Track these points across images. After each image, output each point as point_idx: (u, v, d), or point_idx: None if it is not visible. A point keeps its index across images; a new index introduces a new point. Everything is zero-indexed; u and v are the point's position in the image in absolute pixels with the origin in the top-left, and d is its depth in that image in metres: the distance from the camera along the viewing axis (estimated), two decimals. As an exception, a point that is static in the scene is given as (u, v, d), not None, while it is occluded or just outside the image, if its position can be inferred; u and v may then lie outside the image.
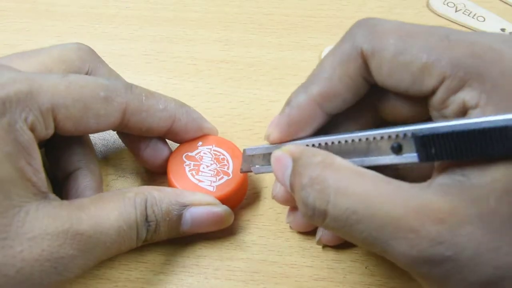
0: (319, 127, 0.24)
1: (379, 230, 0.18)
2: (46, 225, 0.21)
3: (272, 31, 0.38)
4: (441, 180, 0.19)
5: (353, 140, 0.21)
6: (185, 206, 0.24)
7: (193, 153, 0.27)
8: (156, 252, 0.27)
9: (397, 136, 0.20)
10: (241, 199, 0.29)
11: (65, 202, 0.22)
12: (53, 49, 0.26)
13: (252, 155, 0.26)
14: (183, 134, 0.27)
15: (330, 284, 0.26)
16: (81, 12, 0.39)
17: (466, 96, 0.19)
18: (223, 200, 0.26)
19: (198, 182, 0.26)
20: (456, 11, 0.39)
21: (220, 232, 0.27)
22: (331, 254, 0.27)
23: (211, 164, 0.27)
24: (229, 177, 0.27)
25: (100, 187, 0.26)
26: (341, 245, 0.27)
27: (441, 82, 0.19)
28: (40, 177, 0.22)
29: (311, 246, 0.27)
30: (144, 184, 0.30)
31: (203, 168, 0.27)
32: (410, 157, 0.20)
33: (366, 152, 0.21)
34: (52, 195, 0.22)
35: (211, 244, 0.27)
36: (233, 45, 0.37)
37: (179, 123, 0.26)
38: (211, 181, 0.26)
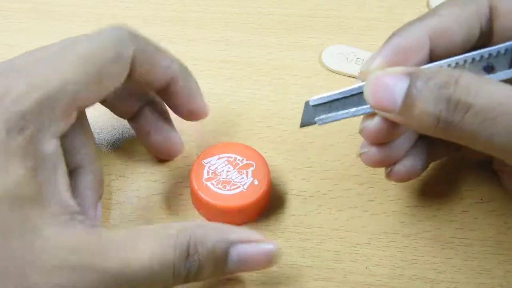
0: (421, 65, 0.23)
1: None
2: (65, 256, 0.19)
3: (272, 31, 0.38)
4: None
5: (448, 65, 0.22)
6: (231, 243, 0.22)
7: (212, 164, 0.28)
8: (156, 252, 0.27)
9: (490, 55, 0.21)
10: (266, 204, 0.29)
11: (92, 231, 0.20)
12: (83, 44, 0.23)
13: (317, 105, 0.25)
14: (176, 98, 0.27)
15: (330, 284, 0.26)
16: (81, 12, 0.39)
17: None
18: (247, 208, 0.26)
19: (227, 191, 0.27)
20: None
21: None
22: (331, 254, 0.27)
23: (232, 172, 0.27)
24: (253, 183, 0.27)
25: (100, 188, 0.26)
26: (341, 245, 0.27)
27: None
28: (65, 194, 0.21)
29: (311, 246, 0.27)
30: (144, 184, 0.30)
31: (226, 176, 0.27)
32: (505, 73, 0.21)
33: None
34: (80, 217, 0.21)
35: (211, 244, 0.27)
36: (233, 45, 0.37)
37: (176, 86, 0.26)
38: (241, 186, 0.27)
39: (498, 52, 0.21)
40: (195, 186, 0.27)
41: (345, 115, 0.24)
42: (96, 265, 0.19)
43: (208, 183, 0.27)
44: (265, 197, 0.27)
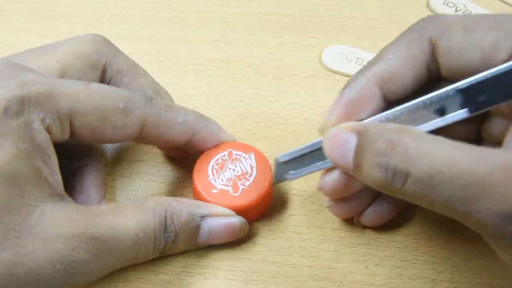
0: (375, 113, 0.23)
1: (465, 189, 0.18)
2: (60, 226, 0.20)
3: (272, 31, 0.38)
4: None
5: (397, 114, 0.22)
6: (203, 216, 0.24)
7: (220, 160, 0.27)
8: (156, 252, 0.27)
9: (440, 98, 0.21)
10: (266, 207, 0.28)
11: (82, 206, 0.22)
12: (68, 43, 0.26)
13: (286, 162, 0.26)
14: (201, 146, 0.27)
15: (330, 284, 0.26)
16: (81, 12, 0.39)
17: None
18: (250, 208, 0.26)
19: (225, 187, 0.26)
20: (456, 11, 0.39)
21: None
22: (331, 254, 0.27)
23: (234, 170, 0.27)
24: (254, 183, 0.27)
25: (104, 186, 0.26)
26: (341, 245, 0.27)
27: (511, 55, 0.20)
28: (57, 178, 0.21)
29: (311, 246, 0.27)
30: (144, 184, 0.30)
31: (227, 173, 0.27)
32: (457, 114, 0.20)
33: (411, 123, 0.22)
34: (69, 198, 0.22)
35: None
36: (233, 45, 0.37)
37: (198, 137, 0.26)
38: (239, 188, 0.26)
39: (447, 94, 0.21)
40: (198, 187, 0.26)
41: (313, 169, 0.25)
42: (88, 233, 0.21)
43: (211, 183, 0.26)
44: (269, 195, 0.27)
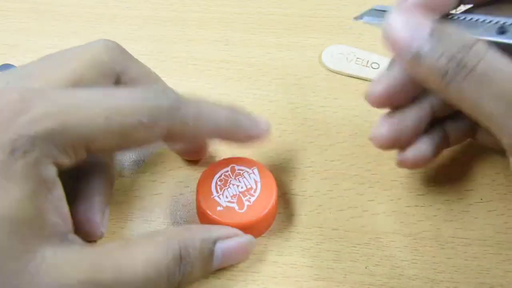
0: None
1: None
2: (63, 273, 0.19)
3: (272, 31, 0.38)
4: None
5: (469, 18, 0.24)
6: (215, 241, 0.24)
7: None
8: (156, 252, 0.27)
9: (504, 22, 0.23)
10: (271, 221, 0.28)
11: (86, 246, 0.21)
12: (81, 51, 0.24)
13: (378, 10, 0.27)
14: (229, 142, 0.26)
15: (330, 284, 0.26)
16: (81, 12, 0.39)
17: None
18: (257, 224, 0.26)
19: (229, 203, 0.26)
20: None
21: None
22: (331, 254, 0.27)
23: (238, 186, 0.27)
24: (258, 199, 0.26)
25: (109, 194, 0.26)
26: (341, 245, 0.27)
27: None
28: (62, 212, 0.21)
29: (311, 246, 0.27)
30: (144, 184, 0.30)
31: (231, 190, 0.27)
32: None
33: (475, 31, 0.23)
34: (71, 236, 0.21)
35: (211, 244, 0.27)
36: (233, 45, 0.37)
37: (226, 135, 0.25)
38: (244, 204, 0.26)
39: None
40: (203, 206, 0.26)
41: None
42: (91, 278, 0.19)
43: (216, 201, 0.26)
44: (275, 210, 0.27)
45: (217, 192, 0.26)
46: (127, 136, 0.21)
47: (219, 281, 0.26)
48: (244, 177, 0.27)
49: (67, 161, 0.21)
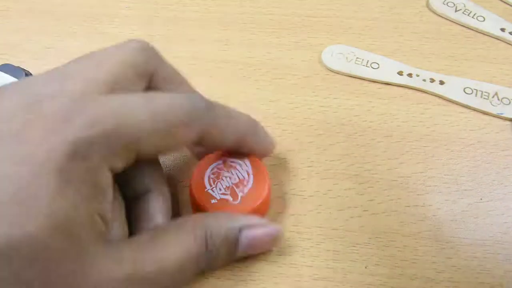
0: None
1: None
2: (111, 269, 0.20)
3: (272, 31, 0.38)
4: None
5: None
6: (240, 229, 0.24)
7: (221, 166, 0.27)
8: (156, 252, 0.27)
9: None
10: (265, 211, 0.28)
11: (125, 242, 0.22)
12: (116, 52, 0.24)
13: None
14: (247, 149, 0.27)
15: (330, 284, 0.26)
16: (81, 12, 0.39)
17: None
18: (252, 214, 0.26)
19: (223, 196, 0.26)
20: (456, 11, 0.39)
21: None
22: (331, 254, 0.27)
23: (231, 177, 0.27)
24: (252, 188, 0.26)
25: (169, 211, 0.26)
26: (341, 244, 0.27)
27: None
28: (107, 216, 0.21)
29: (311, 246, 0.27)
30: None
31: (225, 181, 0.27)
32: None
33: None
34: (114, 234, 0.22)
35: (211, 244, 0.27)
36: (233, 45, 0.37)
37: (244, 144, 0.26)
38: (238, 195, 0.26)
39: None
40: (197, 200, 0.26)
41: None
42: (138, 274, 0.21)
43: (209, 194, 0.26)
44: (268, 200, 0.27)
45: (210, 185, 0.26)
46: (170, 136, 0.22)
47: (219, 281, 0.26)
48: (237, 169, 0.27)
49: (120, 165, 0.21)
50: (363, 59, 0.36)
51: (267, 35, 0.38)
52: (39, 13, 0.39)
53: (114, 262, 0.20)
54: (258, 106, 0.33)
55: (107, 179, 0.21)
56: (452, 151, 0.31)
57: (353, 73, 0.35)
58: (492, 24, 0.38)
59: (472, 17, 0.38)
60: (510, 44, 0.37)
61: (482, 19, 0.38)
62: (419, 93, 0.34)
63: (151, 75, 0.25)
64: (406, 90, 0.34)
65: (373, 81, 0.35)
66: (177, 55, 0.36)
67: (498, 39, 0.37)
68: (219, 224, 0.24)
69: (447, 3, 0.39)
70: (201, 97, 0.24)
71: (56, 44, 0.37)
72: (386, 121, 0.32)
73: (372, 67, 0.35)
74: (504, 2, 0.40)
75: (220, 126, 0.24)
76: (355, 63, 0.36)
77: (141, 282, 0.21)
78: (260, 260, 0.27)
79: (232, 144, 0.26)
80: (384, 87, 0.34)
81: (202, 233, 0.23)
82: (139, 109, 0.21)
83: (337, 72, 0.35)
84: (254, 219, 0.25)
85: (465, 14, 0.39)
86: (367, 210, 0.29)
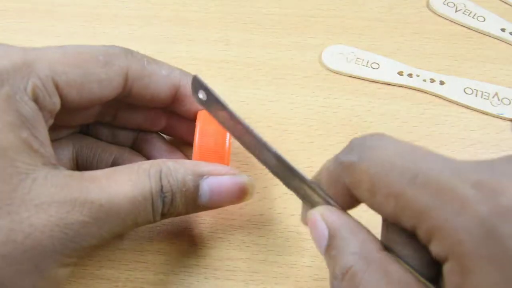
0: None
1: None
2: (53, 193, 0.20)
3: (272, 31, 0.38)
4: None
5: None
6: (201, 176, 0.23)
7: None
8: (156, 252, 0.27)
9: None
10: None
11: (76, 173, 0.21)
12: (73, 46, 0.25)
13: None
14: (189, 103, 0.26)
15: (330, 284, 0.26)
16: (81, 12, 0.39)
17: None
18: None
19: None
20: (456, 11, 0.39)
21: (221, 231, 0.27)
22: (331, 254, 0.27)
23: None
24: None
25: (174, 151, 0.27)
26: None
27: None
28: (48, 150, 0.21)
29: (311, 246, 0.27)
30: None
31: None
32: None
33: None
34: (63, 168, 0.22)
35: (211, 244, 0.27)
36: (233, 45, 0.37)
37: (184, 90, 0.26)
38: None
39: None
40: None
41: None
42: (82, 198, 0.20)
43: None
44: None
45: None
46: (88, 73, 0.23)
47: (219, 281, 0.26)
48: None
49: (41, 96, 0.21)
50: (363, 59, 0.36)
51: (267, 35, 0.38)
52: (39, 13, 0.39)
53: (57, 186, 0.20)
54: (258, 106, 0.33)
55: (31, 109, 0.21)
56: (452, 151, 0.31)
57: (353, 73, 0.35)
58: (492, 24, 0.38)
59: (473, 17, 0.38)
60: (510, 44, 0.37)
61: (483, 19, 0.38)
62: (419, 93, 0.34)
63: (126, 72, 0.25)
64: (406, 90, 0.34)
65: (373, 81, 0.35)
66: (177, 55, 0.36)
67: (498, 39, 0.37)
68: (176, 168, 0.23)
69: (447, 3, 0.39)
70: (119, 46, 0.25)
71: (56, 44, 0.37)
72: (386, 121, 0.32)
73: (372, 67, 0.35)
74: (505, 2, 0.40)
75: (147, 69, 0.25)
76: (355, 63, 0.36)
77: (87, 206, 0.20)
78: (260, 260, 0.27)
79: (169, 93, 0.26)
80: (384, 87, 0.34)
81: (157, 173, 0.22)
82: (50, 48, 0.23)
83: (337, 72, 0.35)
84: (220, 168, 0.24)
85: (465, 14, 0.39)
86: (367, 210, 0.28)
